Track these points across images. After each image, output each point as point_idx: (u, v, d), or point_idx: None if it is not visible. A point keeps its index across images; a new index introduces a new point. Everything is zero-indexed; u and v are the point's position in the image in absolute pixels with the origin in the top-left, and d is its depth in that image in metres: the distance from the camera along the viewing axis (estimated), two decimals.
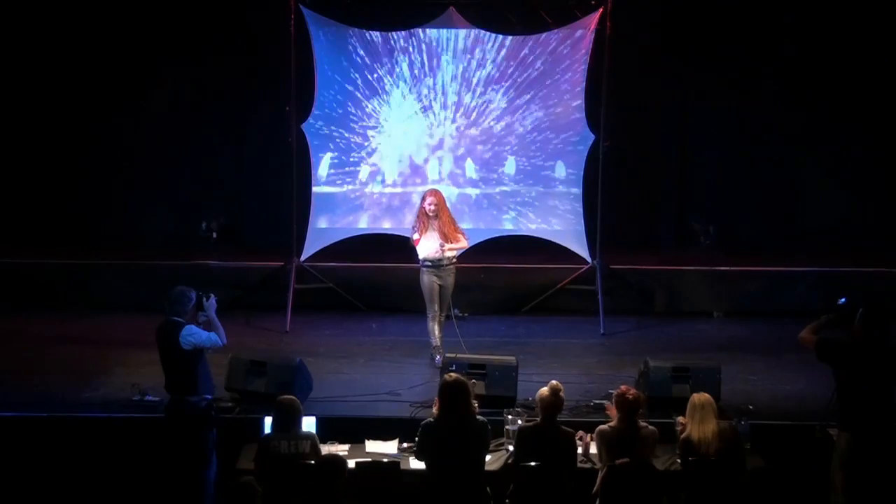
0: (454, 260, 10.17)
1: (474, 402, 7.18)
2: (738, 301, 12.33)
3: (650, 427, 7.26)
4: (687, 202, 14.09)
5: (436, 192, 10.25)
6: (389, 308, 12.11)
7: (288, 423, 7.38)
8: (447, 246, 10.03)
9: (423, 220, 10.09)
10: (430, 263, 10.06)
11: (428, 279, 10.08)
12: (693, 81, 13.64)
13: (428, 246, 10.05)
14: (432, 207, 10.06)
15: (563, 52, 11.88)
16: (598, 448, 7.29)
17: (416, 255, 10.16)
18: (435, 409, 7.18)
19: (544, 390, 7.32)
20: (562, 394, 7.32)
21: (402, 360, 10.37)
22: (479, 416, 7.11)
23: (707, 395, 7.34)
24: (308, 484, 6.72)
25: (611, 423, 7.31)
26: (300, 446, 7.27)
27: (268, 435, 7.50)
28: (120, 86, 13.35)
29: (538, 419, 7.39)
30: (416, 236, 10.09)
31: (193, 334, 7.68)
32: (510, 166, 12.18)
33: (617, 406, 7.26)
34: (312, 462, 7.07)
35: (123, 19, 13.20)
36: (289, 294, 11.55)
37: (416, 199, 11.11)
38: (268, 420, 7.69)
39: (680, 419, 7.61)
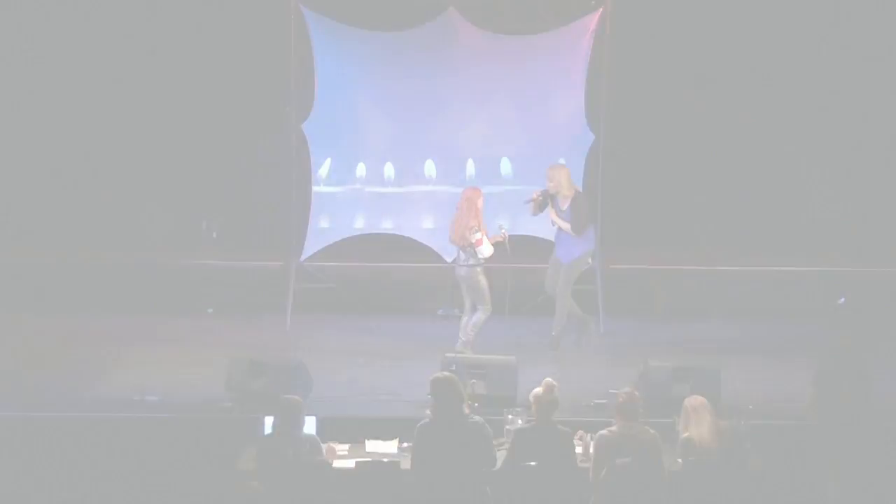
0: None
1: (469, 402, 7.15)
2: (738, 301, 12.32)
3: (651, 431, 7.22)
4: (686, 202, 14.07)
5: None
6: (389, 308, 12.11)
7: (290, 422, 7.37)
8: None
9: (480, 219, 10.05)
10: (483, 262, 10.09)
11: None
12: (693, 81, 13.62)
13: (491, 246, 10.09)
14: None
15: (563, 52, 11.86)
16: (596, 453, 7.19)
17: (472, 255, 10.12)
18: (428, 411, 7.19)
19: (538, 389, 7.29)
20: (556, 391, 7.29)
21: (402, 360, 10.36)
22: (474, 416, 7.10)
23: (700, 398, 7.31)
24: None
25: (611, 428, 7.22)
26: (300, 448, 7.26)
27: (270, 435, 7.49)
28: (120, 85, 13.34)
29: (534, 419, 7.36)
30: (478, 235, 10.04)
31: None
32: (508, 166, 12.18)
33: (617, 410, 7.21)
34: None
35: (124, 18, 13.19)
36: (289, 294, 11.55)
37: (416, 199, 11.14)
38: (268, 420, 7.68)
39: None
